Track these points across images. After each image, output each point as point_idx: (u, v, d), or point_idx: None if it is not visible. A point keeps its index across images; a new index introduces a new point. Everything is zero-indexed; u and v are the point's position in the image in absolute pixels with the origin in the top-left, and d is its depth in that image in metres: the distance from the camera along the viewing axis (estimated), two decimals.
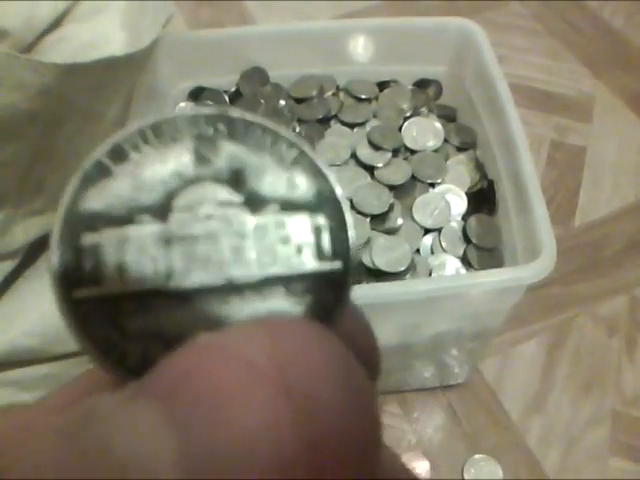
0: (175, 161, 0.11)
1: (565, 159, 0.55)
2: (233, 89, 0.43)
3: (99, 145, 0.11)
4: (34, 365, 0.36)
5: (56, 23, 0.33)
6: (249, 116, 0.11)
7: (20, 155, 0.32)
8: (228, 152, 0.11)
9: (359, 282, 0.34)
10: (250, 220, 0.11)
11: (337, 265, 0.11)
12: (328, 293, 0.11)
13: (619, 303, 0.47)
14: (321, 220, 0.11)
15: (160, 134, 0.11)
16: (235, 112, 0.11)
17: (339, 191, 0.12)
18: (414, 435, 0.42)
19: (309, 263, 0.11)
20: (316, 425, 0.09)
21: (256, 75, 0.43)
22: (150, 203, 0.11)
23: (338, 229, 0.12)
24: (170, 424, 0.08)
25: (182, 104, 0.42)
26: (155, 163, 0.11)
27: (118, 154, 0.11)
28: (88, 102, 0.32)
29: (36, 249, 0.36)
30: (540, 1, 0.67)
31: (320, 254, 0.11)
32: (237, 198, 0.11)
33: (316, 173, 0.12)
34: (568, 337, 0.45)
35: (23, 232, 0.34)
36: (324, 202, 0.12)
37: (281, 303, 0.11)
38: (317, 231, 0.11)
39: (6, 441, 0.09)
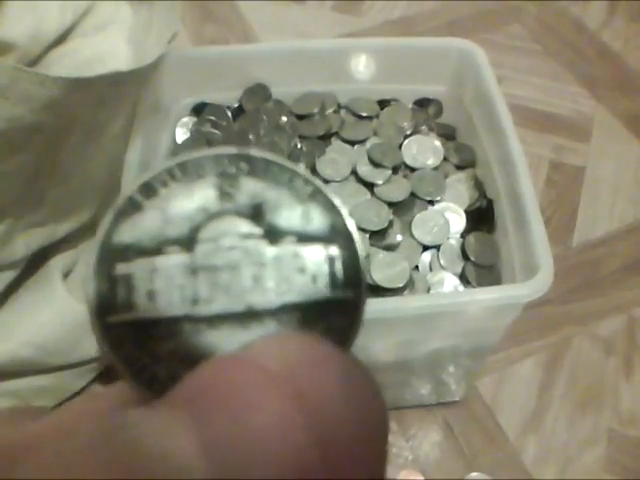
0: (200, 196, 0.12)
1: (564, 179, 0.55)
2: (236, 105, 0.43)
3: (131, 183, 0.12)
4: (32, 376, 0.36)
5: (62, 37, 0.33)
6: (269, 155, 0.12)
7: (23, 167, 0.32)
8: (249, 188, 0.12)
9: None
10: (269, 251, 0.12)
11: (349, 294, 0.12)
12: (341, 320, 0.12)
13: (617, 323, 0.47)
14: (334, 251, 0.12)
15: (186, 172, 0.12)
16: (256, 152, 0.12)
17: (351, 224, 0.12)
18: (410, 452, 0.41)
19: (323, 291, 0.12)
20: (324, 424, 0.10)
21: (259, 91, 0.43)
22: (177, 235, 0.12)
23: (350, 260, 0.12)
24: (192, 425, 0.09)
25: (185, 119, 0.43)
26: (182, 198, 0.12)
27: (148, 190, 0.12)
28: (92, 116, 0.33)
29: (37, 260, 0.36)
30: (540, 23, 0.67)
31: (334, 283, 0.12)
32: (257, 230, 0.12)
33: (330, 208, 0.12)
34: (565, 356, 0.45)
35: (25, 243, 0.34)
36: (338, 234, 0.12)
37: (297, 328, 0.12)
38: (331, 261, 0.12)
39: (31, 442, 0.10)
